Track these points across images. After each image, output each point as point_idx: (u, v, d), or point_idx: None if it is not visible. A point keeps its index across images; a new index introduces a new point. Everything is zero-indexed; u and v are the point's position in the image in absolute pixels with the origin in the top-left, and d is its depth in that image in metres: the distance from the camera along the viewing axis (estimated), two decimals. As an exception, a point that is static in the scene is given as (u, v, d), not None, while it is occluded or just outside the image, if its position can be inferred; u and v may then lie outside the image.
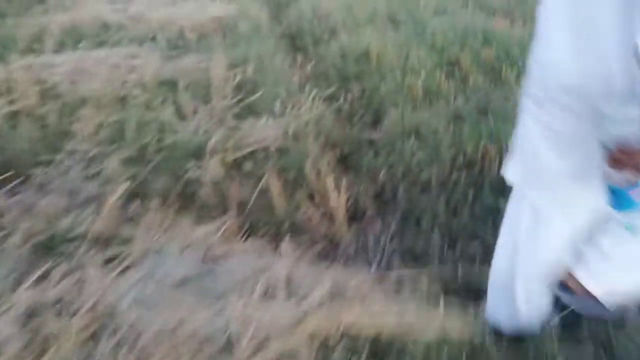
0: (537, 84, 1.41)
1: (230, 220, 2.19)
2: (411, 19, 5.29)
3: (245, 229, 2.18)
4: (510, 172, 1.55)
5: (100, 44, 4.78)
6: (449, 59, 3.95)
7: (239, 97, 3.37)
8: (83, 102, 3.28)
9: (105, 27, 5.27)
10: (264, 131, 2.95)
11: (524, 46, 4.04)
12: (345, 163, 2.92)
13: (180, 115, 3.25)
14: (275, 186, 2.40)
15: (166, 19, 5.58)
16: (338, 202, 2.39)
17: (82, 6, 6.16)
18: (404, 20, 5.28)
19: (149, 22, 5.49)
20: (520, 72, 3.67)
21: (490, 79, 3.68)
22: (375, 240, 2.34)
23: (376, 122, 3.37)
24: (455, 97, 3.39)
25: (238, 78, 3.69)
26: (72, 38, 4.64)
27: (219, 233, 2.09)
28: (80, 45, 4.50)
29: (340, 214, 2.37)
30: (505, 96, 3.39)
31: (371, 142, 3.04)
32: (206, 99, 3.39)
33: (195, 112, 3.26)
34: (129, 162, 2.66)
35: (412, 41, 4.38)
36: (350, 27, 5.19)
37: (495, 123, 2.94)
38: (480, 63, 3.85)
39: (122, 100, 3.42)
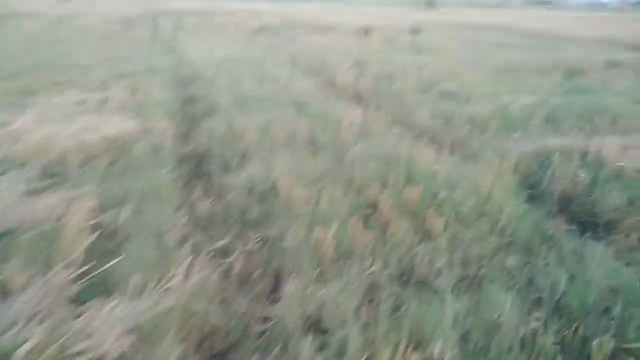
0: None
1: None
2: (332, 142, 4.81)
3: None
4: None
5: (-48, 173, 3.91)
6: (367, 201, 3.37)
7: (91, 263, 2.55)
8: None
9: (-30, 148, 4.42)
10: (106, 325, 2.12)
11: (451, 185, 3.55)
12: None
13: (4, 290, 2.38)
14: None
15: (51, 137, 4.80)
16: None
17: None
18: (325, 143, 4.79)
19: (29, 142, 4.70)
20: (447, 221, 3.12)
21: (413, 228, 3.08)
22: None
23: (274, 290, 2.63)
24: (372, 258, 2.73)
25: (100, 231, 2.90)
26: None
27: None
28: None
29: None
30: (431, 256, 2.77)
31: (261, 333, 2.26)
32: (47, 265, 2.55)
33: (25, 286, 2.40)
34: None
35: (328, 174, 3.81)
36: (265, 151, 4.62)
37: (418, 306, 2.26)
38: (403, 207, 3.28)
39: None
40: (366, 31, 18.18)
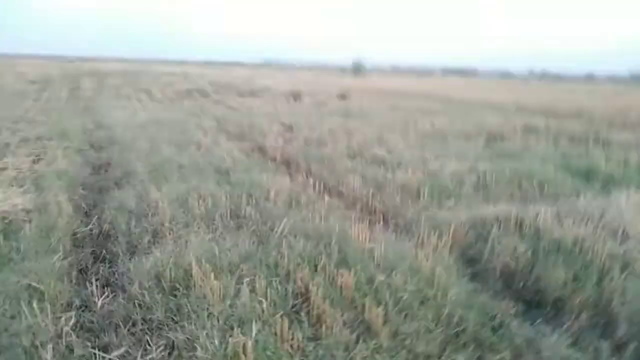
0: None
1: None
2: (257, 216, 4.35)
3: None
4: None
5: None
6: (296, 290, 2.91)
7: None
8: None
9: None
10: None
11: (389, 266, 3.18)
12: None
13: None
14: None
15: None
16: None
17: None
18: (249, 218, 4.32)
19: None
20: (387, 311, 2.72)
21: (350, 322, 2.65)
22: None
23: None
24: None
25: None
26: None
27: None
28: None
29: None
30: (371, 359, 2.34)
31: None
32: None
33: None
34: None
35: (252, 257, 3.33)
36: (180, 228, 4.08)
37: None
38: (337, 295, 2.86)
39: None
40: (296, 95, 18.34)
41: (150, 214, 4.43)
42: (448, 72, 73.38)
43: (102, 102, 14.72)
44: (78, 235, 4.11)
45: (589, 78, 68.76)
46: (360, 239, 3.57)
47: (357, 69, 50.49)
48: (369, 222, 4.33)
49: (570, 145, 8.90)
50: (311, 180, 5.89)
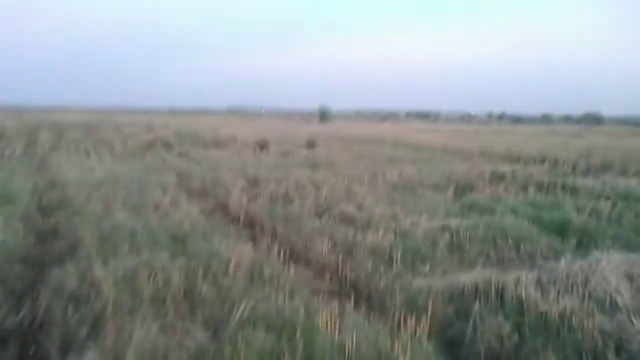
0: None
1: None
2: (213, 297, 3.90)
3: None
4: None
5: None
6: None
7: None
8: None
9: None
10: None
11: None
12: None
13: None
14: None
15: None
16: None
17: None
18: (204, 299, 3.87)
19: None
20: None
21: None
22: None
23: None
24: None
25: None
26: None
27: None
28: None
29: None
30: None
31: None
32: None
33: None
34: None
35: (200, 354, 2.87)
36: (124, 315, 3.58)
37: None
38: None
39: None
40: (263, 145, 18.07)
41: (92, 298, 3.92)
42: (412, 115, 75.16)
43: (58, 158, 14.05)
44: (5, 328, 3.56)
45: (546, 119, 71.64)
46: (329, 326, 3.16)
47: (324, 116, 51.08)
48: (339, 299, 3.94)
49: (539, 194, 8.81)
50: (276, 246, 5.48)
